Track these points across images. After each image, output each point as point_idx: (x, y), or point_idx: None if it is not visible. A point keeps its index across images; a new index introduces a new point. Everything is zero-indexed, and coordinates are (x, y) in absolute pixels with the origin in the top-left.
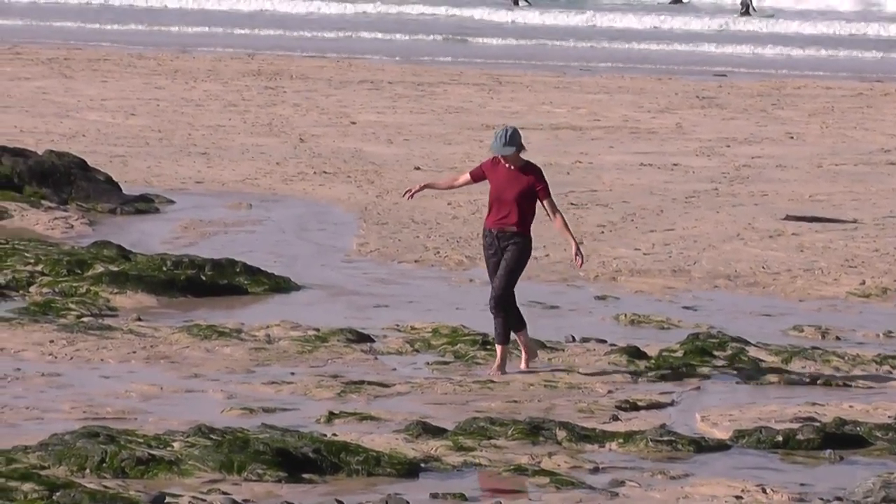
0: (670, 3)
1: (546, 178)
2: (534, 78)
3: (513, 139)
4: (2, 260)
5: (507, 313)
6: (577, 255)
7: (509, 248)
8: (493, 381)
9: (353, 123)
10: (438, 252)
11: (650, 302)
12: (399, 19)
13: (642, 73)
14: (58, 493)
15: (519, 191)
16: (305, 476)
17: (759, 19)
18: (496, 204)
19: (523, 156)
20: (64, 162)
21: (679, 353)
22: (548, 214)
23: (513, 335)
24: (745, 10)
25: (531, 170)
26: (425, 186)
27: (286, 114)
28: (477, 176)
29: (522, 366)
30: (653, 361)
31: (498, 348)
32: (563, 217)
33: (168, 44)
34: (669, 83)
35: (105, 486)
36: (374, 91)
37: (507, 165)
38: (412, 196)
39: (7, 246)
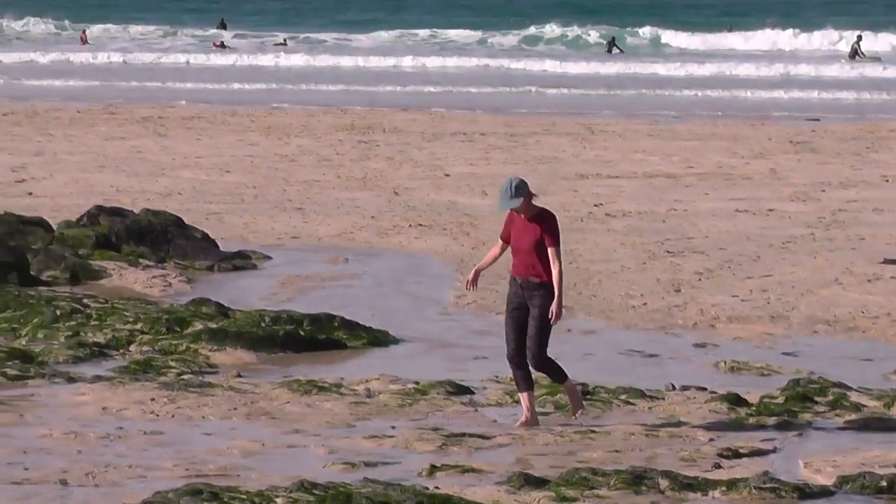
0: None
1: (558, 226)
2: (626, 126)
3: (518, 190)
4: (102, 319)
5: (548, 370)
6: (555, 309)
7: (535, 303)
8: (594, 431)
9: (447, 175)
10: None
11: (749, 348)
12: (492, 73)
13: (735, 119)
14: None
15: (533, 240)
16: None
17: (860, 64)
18: (517, 253)
19: (536, 202)
20: (161, 220)
21: (780, 400)
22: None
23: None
24: (854, 54)
25: (542, 218)
26: (477, 272)
27: (380, 167)
28: (505, 235)
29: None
30: (754, 408)
31: (524, 397)
32: (560, 270)
33: (260, 101)
34: (762, 129)
35: None
36: (467, 143)
37: (521, 215)
38: (474, 285)
39: (107, 305)
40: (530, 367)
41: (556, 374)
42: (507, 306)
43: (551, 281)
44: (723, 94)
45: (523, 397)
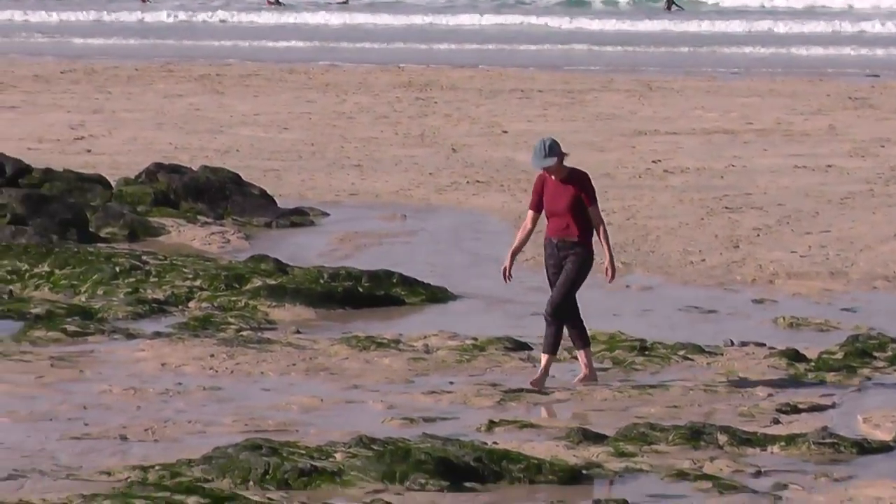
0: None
1: (593, 184)
2: (685, 83)
3: (552, 150)
4: (161, 276)
5: (567, 324)
6: (609, 268)
7: (570, 259)
8: (652, 387)
9: (505, 132)
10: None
11: (808, 304)
12: (550, 31)
13: (794, 76)
14: None
15: (568, 201)
16: (467, 485)
17: None
18: (552, 217)
19: (567, 163)
20: (219, 177)
21: (839, 355)
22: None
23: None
24: None
25: (577, 178)
26: (513, 255)
27: (437, 124)
28: (537, 205)
29: (575, 381)
30: (813, 364)
31: (543, 358)
32: (605, 229)
33: (318, 59)
34: (821, 85)
35: (269, 498)
36: (525, 100)
37: (553, 178)
38: (510, 274)
39: (165, 262)
40: (549, 316)
41: (579, 334)
42: (547, 270)
43: (586, 239)
44: (780, 50)
45: (581, 355)
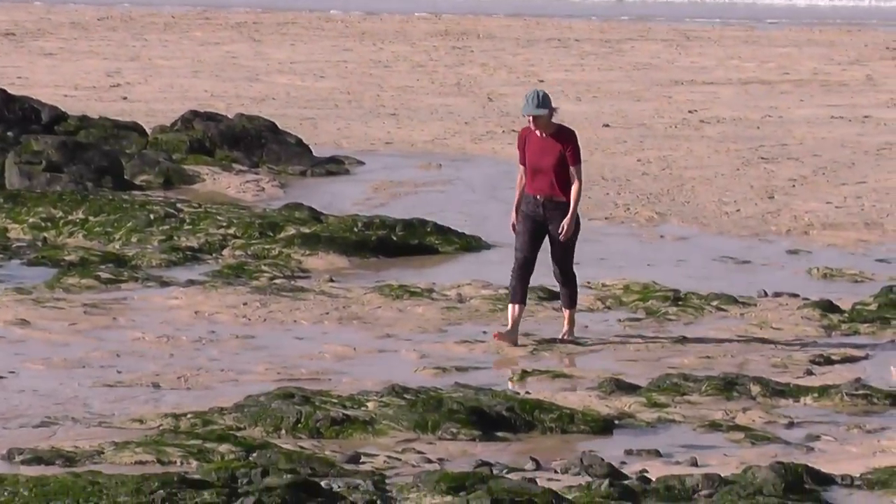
0: None
1: (579, 142)
2: (722, 33)
3: (545, 101)
4: (195, 224)
5: (569, 287)
6: (566, 225)
7: (559, 222)
8: (686, 337)
9: (542, 81)
10: (629, 209)
11: (843, 255)
12: None
13: (831, 26)
14: (254, 454)
15: (555, 159)
16: (499, 434)
17: None
18: (536, 173)
19: (555, 120)
20: (254, 125)
21: (873, 307)
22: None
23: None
24: None
25: (564, 135)
26: (517, 209)
27: (474, 73)
28: (523, 160)
29: (563, 335)
30: (846, 315)
31: (515, 308)
32: (579, 188)
33: (355, 7)
34: (859, 35)
35: (301, 447)
36: (562, 49)
37: (538, 133)
38: (515, 228)
39: (200, 210)
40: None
41: (572, 297)
42: (525, 223)
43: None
44: (819, 2)
45: (514, 309)
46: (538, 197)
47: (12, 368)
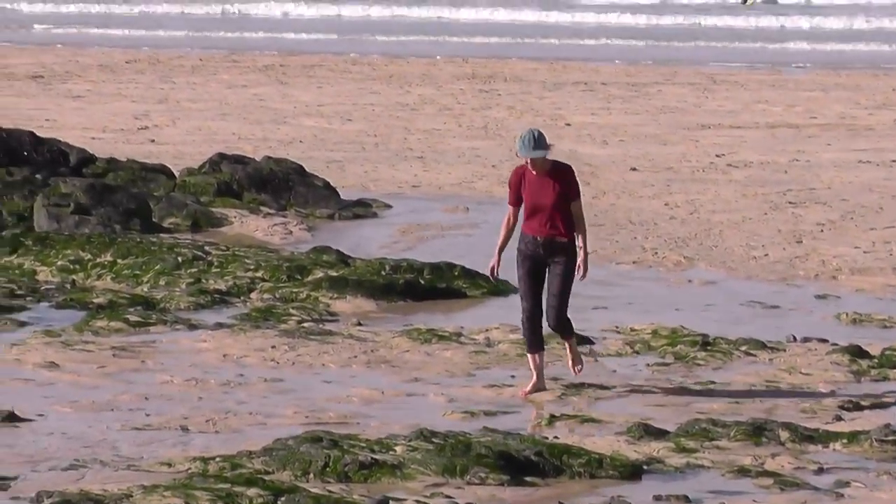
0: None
1: (577, 178)
2: (749, 76)
3: (541, 141)
4: (223, 266)
5: (564, 328)
6: (582, 266)
7: (558, 262)
8: (714, 382)
9: (568, 125)
10: (656, 253)
11: (871, 300)
12: (609, 25)
13: (858, 70)
14: (282, 499)
15: (555, 197)
16: (528, 479)
17: None
18: (535, 213)
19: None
20: (282, 168)
21: None
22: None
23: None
24: None
25: (562, 171)
26: (500, 252)
27: (501, 116)
28: (516, 200)
29: (571, 367)
30: (876, 360)
31: (535, 357)
32: (585, 225)
33: (382, 52)
34: (886, 79)
35: (329, 491)
36: (588, 92)
37: (533, 172)
38: (497, 273)
39: (228, 252)
40: (548, 325)
41: (569, 330)
42: (524, 265)
43: (573, 238)
44: (844, 46)
45: (535, 358)
46: (538, 238)
47: (41, 411)
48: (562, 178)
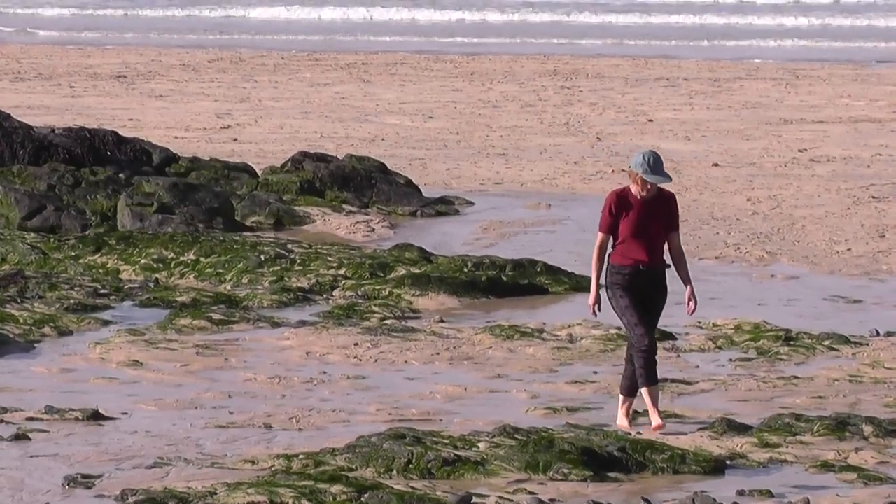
0: None
1: None
2: (831, 71)
3: (662, 165)
4: (306, 264)
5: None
6: (692, 299)
7: (661, 292)
8: (797, 377)
9: (650, 121)
10: (739, 248)
11: None
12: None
13: None
14: (366, 495)
15: (662, 224)
16: (611, 475)
17: None
18: (638, 241)
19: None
20: (364, 166)
21: None
22: (669, 248)
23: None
24: None
25: (670, 199)
26: (597, 284)
27: (582, 113)
28: (611, 226)
29: (655, 426)
30: None
31: (650, 392)
32: (685, 257)
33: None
34: None
35: (412, 487)
36: (671, 88)
37: (639, 196)
38: (598, 308)
39: (310, 250)
40: (650, 353)
41: (655, 370)
42: (627, 294)
43: (665, 266)
44: None
45: (650, 393)
46: (641, 268)
47: (125, 410)
48: (668, 206)
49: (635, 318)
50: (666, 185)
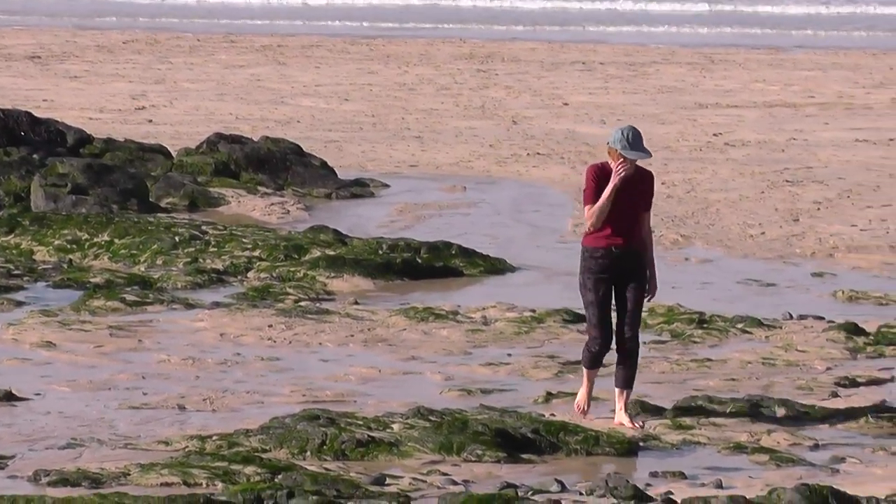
0: None
1: None
2: (747, 56)
3: (642, 140)
4: (220, 246)
5: (637, 356)
6: (653, 286)
7: (637, 276)
8: (710, 360)
9: (566, 105)
10: (653, 231)
11: (868, 278)
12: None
13: (856, 50)
14: (279, 476)
15: (641, 201)
16: (524, 456)
17: None
18: (611, 220)
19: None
20: (280, 148)
21: None
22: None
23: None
24: None
25: (648, 177)
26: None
27: (499, 96)
28: (597, 197)
29: (627, 423)
30: (872, 338)
31: (591, 374)
32: (652, 240)
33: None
34: (884, 58)
35: (326, 469)
36: (586, 72)
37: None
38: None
39: (225, 232)
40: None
41: (634, 372)
42: (597, 288)
43: (646, 248)
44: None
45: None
46: (614, 248)
47: (38, 390)
48: (646, 186)
49: (596, 318)
50: (645, 164)
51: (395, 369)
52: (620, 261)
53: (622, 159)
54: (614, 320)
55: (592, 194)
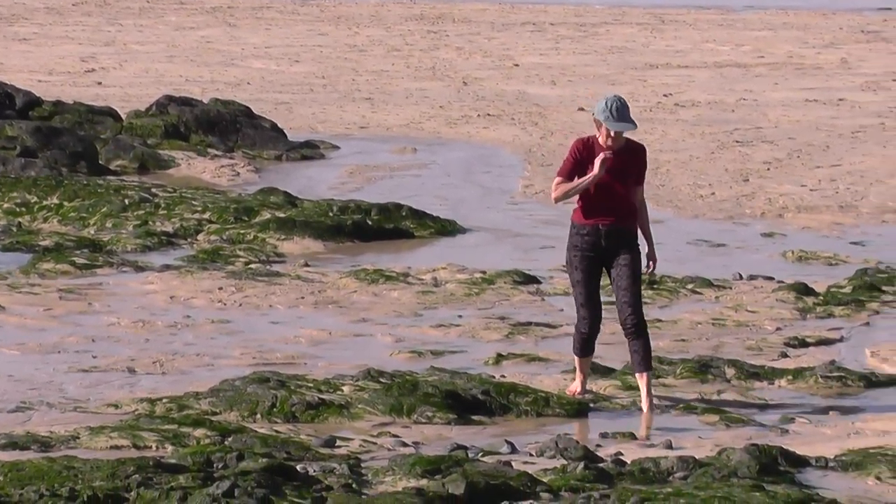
0: None
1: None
2: (697, 16)
3: (629, 112)
4: (170, 209)
5: (646, 333)
6: (652, 259)
7: (625, 252)
8: (661, 320)
9: (517, 65)
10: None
11: (817, 238)
12: None
13: (806, 10)
14: (229, 439)
15: (631, 177)
16: (475, 418)
17: None
18: (601, 199)
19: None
20: (229, 110)
21: (847, 289)
22: (634, 202)
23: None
24: None
25: (639, 151)
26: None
27: (449, 57)
28: (570, 173)
29: (646, 412)
30: (821, 298)
31: (585, 362)
32: (647, 213)
33: None
34: (834, 18)
35: (276, 431)
36: (537, 33)
37: (605, 147)
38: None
39: (175, 194)
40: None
41: (649, 352)
42: (583, 266)
43: (636, 225)
44: None
45: (584, 362)
46: (601, 226)
47: None
48: (638, 160)
49: (583, 297)
50: (633, 135)
51: (345, 331)
52: (608, 239)
53: (609, 140)
54: (614, 315)
55: (567, 168)
